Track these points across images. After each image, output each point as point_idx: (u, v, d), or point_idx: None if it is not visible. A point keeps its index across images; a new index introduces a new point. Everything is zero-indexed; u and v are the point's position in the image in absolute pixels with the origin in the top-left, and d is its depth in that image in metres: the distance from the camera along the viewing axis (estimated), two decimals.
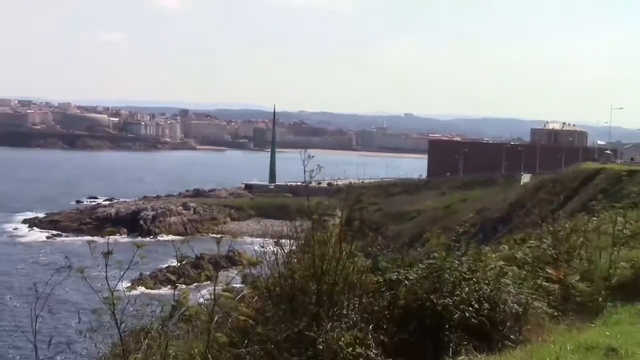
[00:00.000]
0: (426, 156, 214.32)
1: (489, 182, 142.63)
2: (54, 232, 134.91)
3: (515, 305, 13.80)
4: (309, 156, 13.17)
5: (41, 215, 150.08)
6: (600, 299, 16.34)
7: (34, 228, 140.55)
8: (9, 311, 59.95)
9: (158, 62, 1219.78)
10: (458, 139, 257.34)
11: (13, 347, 48.23)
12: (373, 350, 11.79)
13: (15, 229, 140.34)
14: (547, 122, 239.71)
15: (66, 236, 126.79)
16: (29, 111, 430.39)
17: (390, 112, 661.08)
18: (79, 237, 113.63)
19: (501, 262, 15.90)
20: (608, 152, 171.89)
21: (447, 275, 13.42)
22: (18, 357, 46.08)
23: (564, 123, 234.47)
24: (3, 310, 65.36)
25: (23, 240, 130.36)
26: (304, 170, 13.29)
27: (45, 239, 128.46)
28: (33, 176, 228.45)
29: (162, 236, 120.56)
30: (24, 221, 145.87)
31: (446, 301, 12.96)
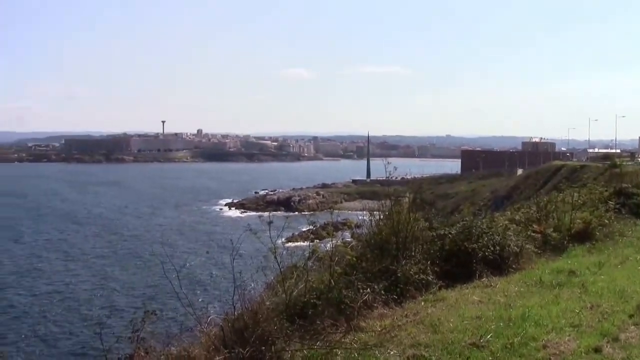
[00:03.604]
0: (460, 160, 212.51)
1: (498, 175, 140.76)
2: (242, 210, 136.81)
3: (515, 247, 13.79)
4: (388, 162, 13.33)
5: (235, 200, 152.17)
6: (565, 242, 16.62)
7: (231, 208, 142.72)
8: (217, 254, 60.69)
9: (295, 109, 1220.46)
10: (479, 149, 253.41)
11: (223, 277, 48.71)
12: (430, 276, 11.72)
13: (221, 208, 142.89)
14: (531, 137, 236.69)
15: (248, 212, 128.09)
16: (226, 140, 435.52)
17: (438, 134, 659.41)
18: (257, 213, 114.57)
19: (506, 222, 15.84)
20: (568, 155, 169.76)
21: (474, 230, 13.35)
22: (221, 277, 46.55)
23: (541, 138, 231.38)
24: (214, 253, 66.26)
25: (225, 214, 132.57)
26: (385, 170, 13.43)
27: (237, 214, 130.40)
28: (229, 178, 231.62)
29: (304, 212, 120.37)
30: (226, 204, 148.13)
31: (474, 246, 12.92)
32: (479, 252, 12.97)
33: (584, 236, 17.28)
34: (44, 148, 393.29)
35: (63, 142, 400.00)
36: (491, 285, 11.79)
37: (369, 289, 10.19)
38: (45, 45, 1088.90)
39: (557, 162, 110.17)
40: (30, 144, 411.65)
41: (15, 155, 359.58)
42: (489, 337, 8.29)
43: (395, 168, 13.58)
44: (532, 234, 16.33)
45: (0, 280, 65.25)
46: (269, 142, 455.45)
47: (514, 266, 13.43)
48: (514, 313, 9.33)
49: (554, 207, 19.36)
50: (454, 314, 9.58)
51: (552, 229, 17.11)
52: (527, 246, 14.70)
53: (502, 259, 13.34)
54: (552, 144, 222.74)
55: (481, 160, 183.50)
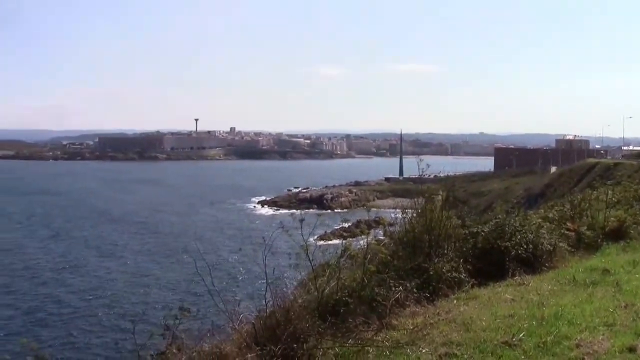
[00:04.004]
0: (493, 158, 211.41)
1: (531, 172, 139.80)
2: (274, 207, 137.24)
3: (548, 245, 13.70)
4: (421, 160, 13.32)
5: (268, 198, 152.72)
6: (599, 240, 16.45)
7: (264, 205, 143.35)
8: (251, 251, 61.00)
9: (328, 106, 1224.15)
10: (512, 146, 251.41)
11: (255, 274, 48.99)
12: (463, 274, 11.70)
13: (254, 206, 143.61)
14: (565, 134, 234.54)
15: (281, 210, 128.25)
16: (259, 138, 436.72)
17: (471, 132, 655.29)
18: (290, 210, 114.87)
19: (539, 220, 15.71)
20: (602, 152, 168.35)
21: (507, 228, 13.32)
22: (253, 274, 46.72)
23: (575, 135, 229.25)
24: (247, 250, 66.58)
25: (257, 212, 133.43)
26: (419, 168, 13.43)
27: (270, 212, 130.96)
28: (262, 176, 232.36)
29: (337, 209, 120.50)
30: (259, 202, 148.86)
31: (506, 244, 12.88)
32: (512, 250, 12.88)
33: (618, 234, 17.09)
34: (78, 146, 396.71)
35: (97, 140, 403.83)
36: (524, 284, 11.72)
37: (401, 287, 10.19)
38: (79, 44, 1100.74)
39: (591, 160, 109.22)
40: (64, 142, 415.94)
41: (50, 153, 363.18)
42: (521, 335, 8.25)
43: (428, 165, 13.56)
44: (566, 232, 16.17)
45: (37, 276, 66.17)
46: (301, 139, 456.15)
47: (547, 264, 13.32)
48: (547, 312, 9.27)
49: (587, 205, 19.19)
50: (486, 313, 9.54)
51: (585, 227, 16.94)
52: (561, 244, 14.58)
53: (535, 257, 13.25)
54: (586, 142, 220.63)
55: (514, 157, 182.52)
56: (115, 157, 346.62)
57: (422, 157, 14.13)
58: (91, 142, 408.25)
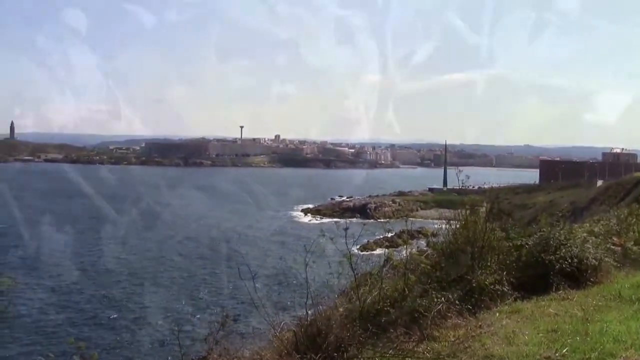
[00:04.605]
0: (538, 170, 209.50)
1: (577, 185, 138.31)
2: (318, 216, 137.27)
3: (593, 260, 13.45)
4: (460, 171, 13.38)
5: (311, 206, 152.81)
6: None
7: (308, 214, 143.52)
8: (292, 258, 61.12)
9: (376, 116, 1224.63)
10: (558, 159, 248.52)
11: (295, 280, 48.98)
12: (505, 287, 11.59)
13: (298, 213, 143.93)
14: (612, 148, 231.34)
15: (325, 218, 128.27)
16: (303, 146, 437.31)
17: (516, 144, 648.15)
18: (333, 219, 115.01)
19: (585, 234, 15.42)
20: None
21: (551, 242, 13.13)
22: (295, 282, 46.68)
23: (622, 148, 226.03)
24: (289, 256, 66.67)
25: (301, 220, 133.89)
26: (458, 179, 13.46)
27: (314, 220, 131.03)
28: (306, 184, 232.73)
29: (380, 219, 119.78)
30: (302, 210, 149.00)
31: (551, 257, 12.71)
32: (556, 264, 12.70)
33: None
34: (125, 151, 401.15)
35: (143, 145, 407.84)
36: (568, 298, 11.55)
37: (443, 298, 10.12)
38: (127, 49, 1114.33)
39: (639, 174, 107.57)
40: (111, 147, 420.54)
41: (97, 157, 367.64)
42: (564, 351, 8.12)
43: (468, 177, 13.56)
44: (612, 247, 15.89)
45: (85, 278, 66.90)
46: (346, 148, 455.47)
47: (592, 279, 13.10)
48: (591, 327, 9.12)
49: (634, 219, 18.87)
50: (529, 326, 9.42)
51: (632, 243, 16.63)
52: (606, 259, 14.30)
53: (580, 271, 13.04)
54: (634, 155, 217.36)
55: (560, 170, 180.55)
56: (160, 162, 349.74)
57: (464, 168, 14.25)
58: (137, 147, 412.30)
